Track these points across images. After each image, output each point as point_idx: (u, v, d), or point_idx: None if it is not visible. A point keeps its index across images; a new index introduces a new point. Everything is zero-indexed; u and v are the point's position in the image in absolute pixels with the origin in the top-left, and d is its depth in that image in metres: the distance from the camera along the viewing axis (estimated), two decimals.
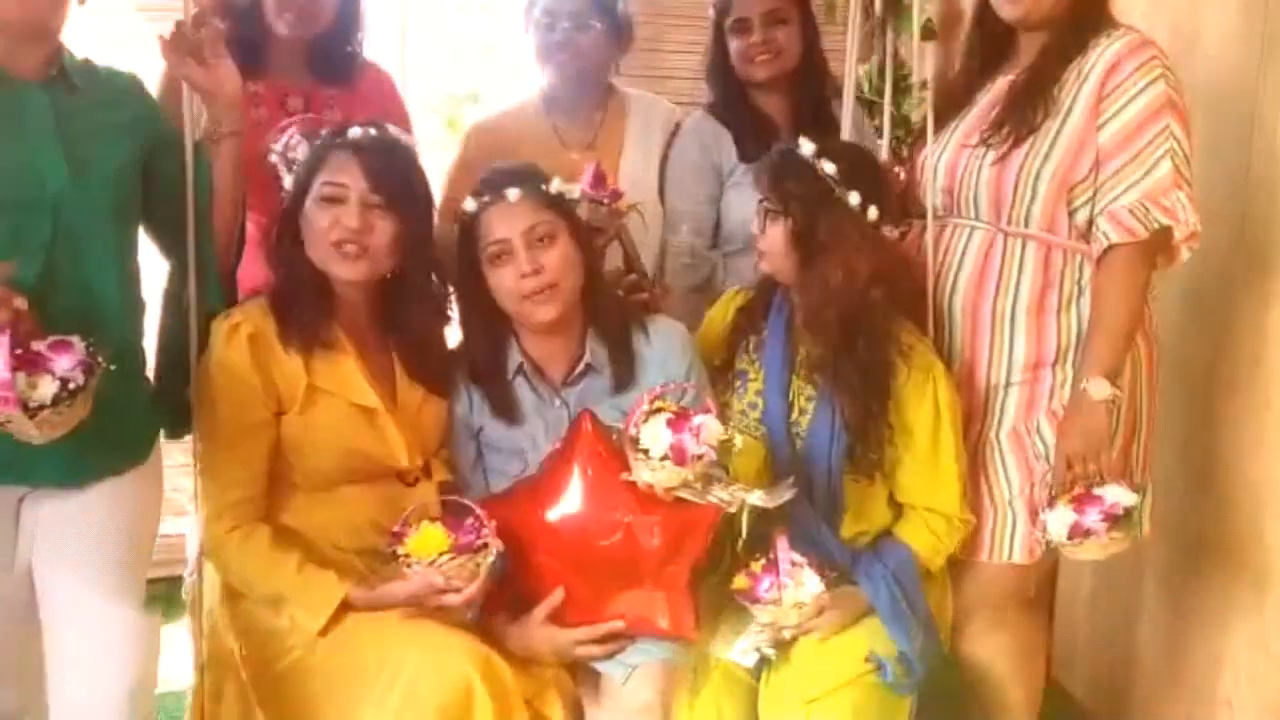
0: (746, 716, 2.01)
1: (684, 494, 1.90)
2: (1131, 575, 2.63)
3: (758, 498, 1.93)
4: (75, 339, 1.63)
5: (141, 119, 1.88)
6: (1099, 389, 2.00)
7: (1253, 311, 2.23)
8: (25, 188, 1.68)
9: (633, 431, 1.90)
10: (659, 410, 1.91)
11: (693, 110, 2.67)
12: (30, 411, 1.57)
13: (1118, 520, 1.97)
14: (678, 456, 1.86)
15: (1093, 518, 1.97)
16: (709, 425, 1.88)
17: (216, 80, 1.90)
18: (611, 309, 2.14)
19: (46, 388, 1.58)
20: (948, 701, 2.36)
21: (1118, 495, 1.98)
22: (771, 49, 2.49)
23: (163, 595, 2.11)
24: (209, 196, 1.92)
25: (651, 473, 1.89)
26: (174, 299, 1.96)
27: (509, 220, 2.00)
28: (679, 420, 1.88)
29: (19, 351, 1.57)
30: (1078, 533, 1.98)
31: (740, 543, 2.00)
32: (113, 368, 1.67)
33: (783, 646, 2.03)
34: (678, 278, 2.55)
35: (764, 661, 2.03)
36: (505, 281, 2.01)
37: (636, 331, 2.12)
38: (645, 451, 1.88)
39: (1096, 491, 1.99)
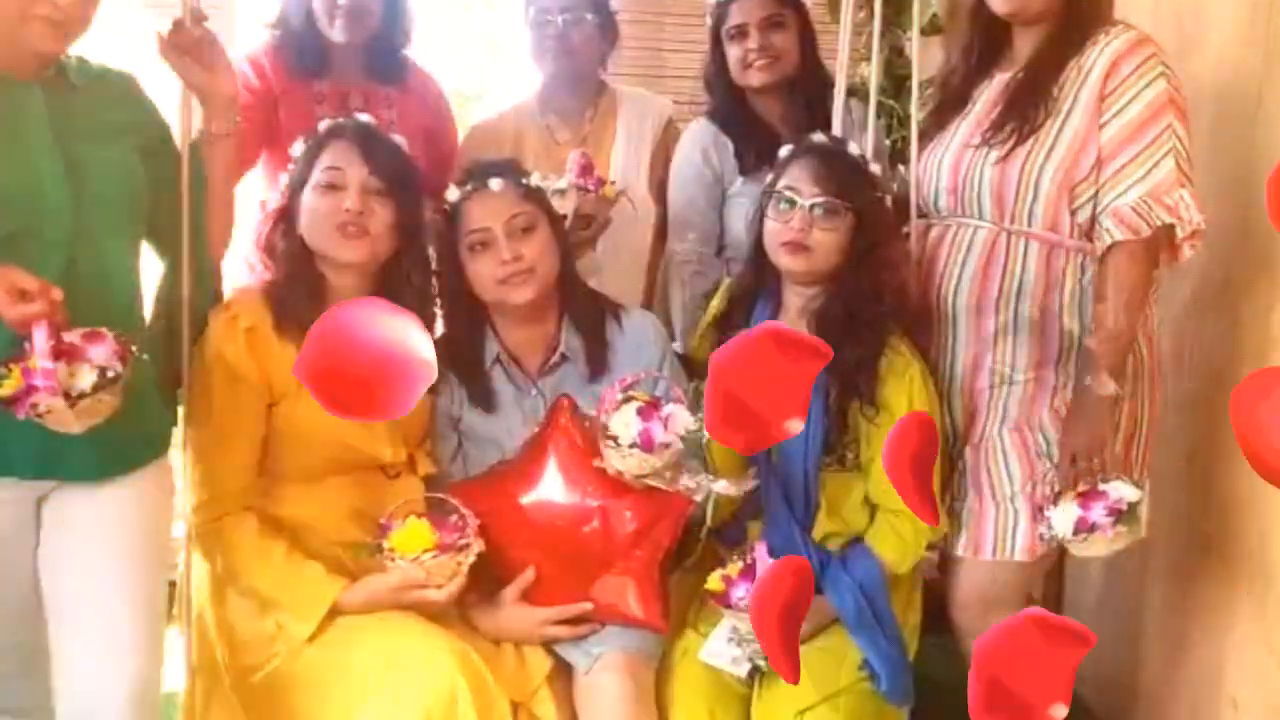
0: None
1: (653, 481, 1.94)
2: (1136, 575, 2.60)
3: (723, 485, 1.97)
4: (105, 330, 1.66)
5: (137, 119, 1.88)
6: (1103, 385, 2.00)
7: (1257, 311, 2.20)
8: (21, 188, 1.68)
9: (604, 419, 1.94)
10: (630, 399, 1.95)
11: (691, 109, 2.67)
12: (71, 400, 1.60)
13: (1122, 515, 1.96)
14: (646, 444, 1.90)
15: (1098, 513, 1.96)
16: (678, 415, 1.92)
17: (213, 80, 1.91)
18: (585, 299, 2.17)
19: (86, 376, 1.61)
20: (953, 702, 2.36)
21: (1122, 490, 1.97)
22: (769, 54, 2.47)
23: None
24: (203, 197, 1.93)
25: (621, 459, 1.93)
26: (166, 300, 1.97)
27: (491, 209, 2.05)
28: (649, 409, 1.92)
29: (53, 343, 1.59)
30: (1083, 528, 1.97)
31: (705, 530, 2.03)
32: (145, 357, 1.71)
33: None
34: (687, 285, 2.54)
35: (757, 670, 2.03)
36: (484, 269, 2.04)
37: (610, 321, 2.16)
38: (615, 438, 1.92)
39: (1101, 487, 1.98)
